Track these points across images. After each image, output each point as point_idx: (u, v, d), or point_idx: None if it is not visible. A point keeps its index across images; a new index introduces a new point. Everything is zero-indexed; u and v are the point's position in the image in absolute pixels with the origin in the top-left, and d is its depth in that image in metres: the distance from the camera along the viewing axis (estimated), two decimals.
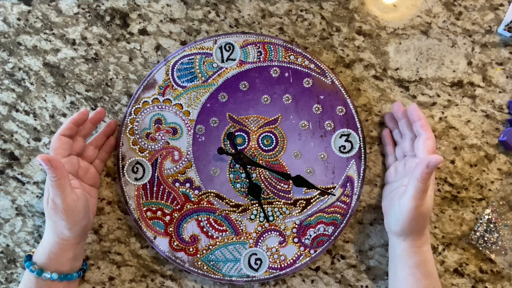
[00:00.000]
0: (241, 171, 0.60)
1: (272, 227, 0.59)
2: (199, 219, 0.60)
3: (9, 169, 0.62)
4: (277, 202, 0.60)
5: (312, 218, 0.59)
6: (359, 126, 0.59)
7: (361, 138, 0.59)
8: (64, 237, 0.53)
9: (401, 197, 0.51)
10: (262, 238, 0.59)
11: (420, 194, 0.49)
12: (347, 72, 0.61)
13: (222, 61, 0.61)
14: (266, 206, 0.60)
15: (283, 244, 0.59)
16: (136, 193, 0.60)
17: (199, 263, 0.59)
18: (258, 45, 0.60)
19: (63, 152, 0.54)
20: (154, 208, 0.60)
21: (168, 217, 0.60)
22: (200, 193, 0.60)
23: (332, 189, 0.59)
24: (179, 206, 0.60)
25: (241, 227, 0.60)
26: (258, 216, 0.60)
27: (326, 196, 0.59)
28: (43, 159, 0.48)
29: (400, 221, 0.51)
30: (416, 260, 0.52)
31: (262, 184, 0.60)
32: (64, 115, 0.62)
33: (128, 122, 0.60)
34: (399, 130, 0.58)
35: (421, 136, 0.53)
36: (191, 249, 0.59)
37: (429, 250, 0.54)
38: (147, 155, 0.60)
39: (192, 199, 0.60)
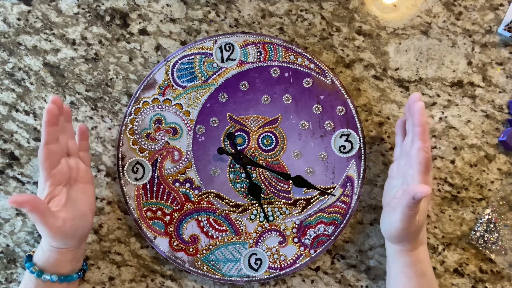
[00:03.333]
0: (241, 171, 0.60)
1: (272, 227, 0.59)
2: (199, 219, 0.60)
3: (9, 169, 0.62)
4: (277, 202, 0.60)
5: (312, 218, 0.59)
6: (359, 126, 0.59)
7: (361, 138, 0.59)
8: (61, 247, 0.52)
9: (391, 214, 0.50)
10: (262, 238, 0.59)
11: (407, 219, 0.48)
12: (347, 72, 0.61)
13: (222, 61, 0.61)
14: (266, 206, 0.60)
15: (283, 244, 0.59)
16: (136, 193, 0.60)
17: (199, 263, 0.59)
18: (258, 45, 0.60)
19: (53, 162, 0.50)
20: (154, 208, 0.60)
21: (168, 217, 0.60)
22: (200, 193, 0.60)
23: (332, 189, 0.59)
24: (179, 206, 0.60)
25: (241, 227, 0.60)
26: (258, 216, 0.60)
27: (326, 196, 0.59)
28: (14, 201, 0.44)
29: (389, 233, 0.52)
30: (406, 261, 0.52)
31: (262, 184, 0.60)
32: None
33: (128, 122, 0.60)
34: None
35: (414, 145, 0.49)
36: (191, 249, 0.59)
37: (422, 251, 0.53)
38: (147, 155, 0.60)
39: (192, 199, 0.60)
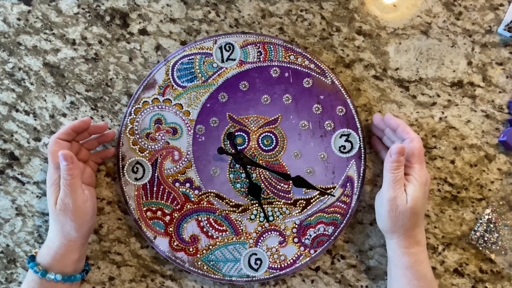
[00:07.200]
0: (241, 171, 0.60)
1: (272, 227, 0.59)
2: (199, 219, 0.60)
3: (9, 169, 0.62)
4: (277, 202, 0.60)
5: (312, 218, 0.59)
6: (359, 126, 0.59)
7: (361, 138, 0.59)
8: (71, 238, 0.53)
9: (380, 192, 0.54)
10: (262, 238, 0.59)
11: (392, 184, 0.52)
12: (347, 72, 0.61)
13: (222, 61, 0.61)
14: (266, 206, 0.60)
15: (283, 244, 0.59)
16: (136, 193, 0.60)
17: (199, 263, 0.59)
18: (258, 45, 0.60)
19: (59, 149, 0.53)
20: (154, 208, 0.60)
21: (168, 217, 0.60)
22: (200, 193, 0.60)
23: (332, 189, 0.59)
24: (179, 206, 0.60)
25: (241, 227, 0.60)
26: (258, 216, 0.60)
27: (326, 196, 0.59)
28: (66, 156, 0.49)
29: (382, 216, 0.53)
30: (406, 261, 0.52)
31: (262, 184, 0.60)
32: (64, 115, 0.62)
33: (128, 122, 0.60)
34: (387, 137, 0.58)
35: (405, 141, 0.54)
36: (191, 249, 0.59)
37: (421, 252, 0.53)
38: (147, 155, 0.60)
39: (192, 199, 0.60)
